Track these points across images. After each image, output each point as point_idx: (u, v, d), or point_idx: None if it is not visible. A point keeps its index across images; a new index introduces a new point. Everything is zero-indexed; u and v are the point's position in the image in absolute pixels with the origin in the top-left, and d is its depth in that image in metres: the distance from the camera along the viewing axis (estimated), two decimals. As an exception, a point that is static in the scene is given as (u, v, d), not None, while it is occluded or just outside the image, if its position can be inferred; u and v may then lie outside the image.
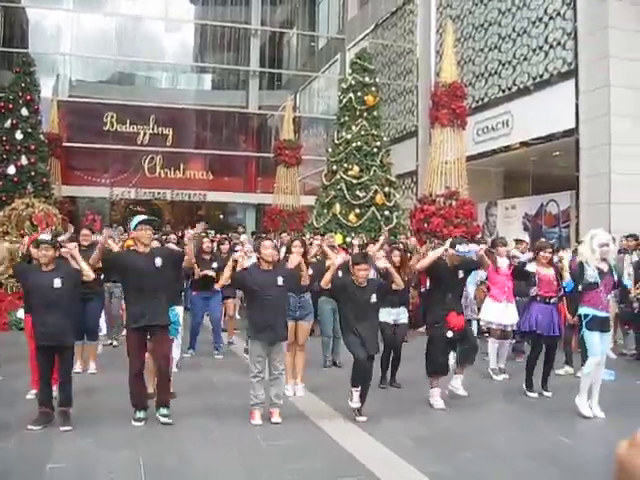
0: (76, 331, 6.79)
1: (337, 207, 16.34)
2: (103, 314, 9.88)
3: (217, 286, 9.26)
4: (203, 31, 34.07)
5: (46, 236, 6.45)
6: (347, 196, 16.36)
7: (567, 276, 7.87)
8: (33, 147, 18.76)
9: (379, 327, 7.83)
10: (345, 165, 16.74)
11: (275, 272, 6.55)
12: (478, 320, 10.55)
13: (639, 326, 10.88)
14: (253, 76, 33.91)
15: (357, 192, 16.39)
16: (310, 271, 7.32)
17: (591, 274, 7.12)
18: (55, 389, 6.46)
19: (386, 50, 26.63)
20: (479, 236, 15.62)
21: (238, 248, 13.02)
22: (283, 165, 23.25)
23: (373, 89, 17.47)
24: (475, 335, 12.15)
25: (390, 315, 8.36)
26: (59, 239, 6.90)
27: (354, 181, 16.48)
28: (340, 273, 7.49)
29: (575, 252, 9.95)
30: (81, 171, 29.44)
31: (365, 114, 17.10)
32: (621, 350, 11.22)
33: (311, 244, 12.66)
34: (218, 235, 17.96)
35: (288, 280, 6.64)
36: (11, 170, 18.25)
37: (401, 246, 9.55)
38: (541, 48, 17.58)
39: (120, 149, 30.08)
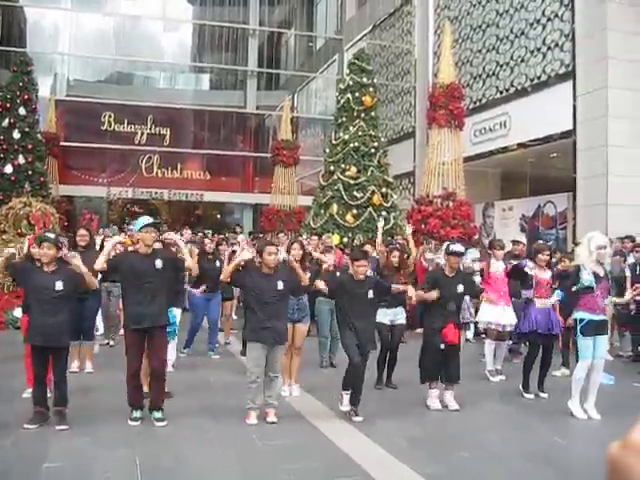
0: (72, 331, 6.79)
1: (334, 207, 16.35)
2: (100, 313, 9.88)
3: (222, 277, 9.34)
4: (201, 31, 34.04)
5: (49, 235, 6.43)
6: (344, 196, 16.37)
7: None
8: (30, 146, 18.72)
9: (376, 328, 7.86)
10: (342, 166, 16.75)
11: (276, 276, 6.55)
12: (475, 323, 10.56)
13: (636, 328, 10.90)
14: (251, 76, 33.90)
15: (354, 193, 16.40)
16: (308, 274, 7.33)
17: (587, 278, 7.13)
18: (50, 389, 6.45)
19: (384, 51, 26.64)
20: (476, 237, 15.63)
21: (236, 248, 13.06)
22: (281, 165, 23.24)
23: (371, 90, 17.49)
24: (472, 338, 12.25)
25: (387, 316, 8.37)
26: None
27: (351, 182, 16.49)
28: (338, 273, 7.53)
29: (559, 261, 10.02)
30: (78, 170, 29.40)
31: (363, 115, 17.12)
32: (617, 352, 11.23)
33: (308, 244, 12.73)
34: (216, 235, 17.96)
35: (288, 284, 6.65)
36: (8, 169, 18.22)
37: (399, 246, 9.55)
38: (539, 50, 17.59)
39: (118, 149, 30.04)
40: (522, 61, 18.25)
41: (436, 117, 15.84)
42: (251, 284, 6.53)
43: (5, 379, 7.95)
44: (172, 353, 8.27)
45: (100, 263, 6.39)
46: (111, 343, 10.89)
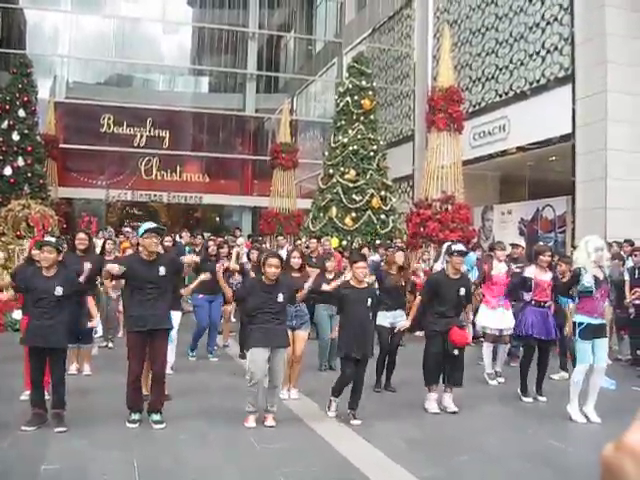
0: (70, 333, 6.80)
1: (333, 210, 16.37)
2: (99, 316, 9.87)
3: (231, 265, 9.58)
4: (201, 34, 34.07)
5: (50, 239, 6.43)
6: (343, 200, 16.39)
7: None
8: (30, 148, 18.76)
9: (376, 330, 7.88)
10: (341, 169, 16.78)
11: (277, 288, 6.56)
12: (473, 324, 10.55)
13: (635, 331, 10.89)
14: (250, 79, 33.92)
15: (353, 196, 16.42)
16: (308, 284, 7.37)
17: (588, 280, 7.14)
18: (48, 391, 6.45)
19: (383, 54, 26.68)
20: (475, 240, 15.63)
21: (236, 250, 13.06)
22: (280, 168, 23.23)
23: (370, 93, 17.52)
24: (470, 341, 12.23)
25: (386, 318, 8.37)
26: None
27: (350, 185, 16.51)
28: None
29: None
30: (78, 173, 29.41)
31: (362, 118, 17.15)
32: (616, 356, 11.23)
33: (307, 247, 12.75)
34: (217, 238, 17.94)
35: (288, 297, 6.68)
36: (7, 171, 18.25)
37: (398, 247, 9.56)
38: (538, 53, 17.62)
39: (117, 151, 30.05)
40: (521, 65, 18.27)
41: (435, 120, 15.85)
42: (253, 295, 6.55)
43: (4, 380, 7.94)
44: (171, 355, 8.26)
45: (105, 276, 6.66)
46: (109, 345, 10.89)
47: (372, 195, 16.45)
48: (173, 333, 7.96)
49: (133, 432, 6.16)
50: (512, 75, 18.68)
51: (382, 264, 9.95)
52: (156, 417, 6.38)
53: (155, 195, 30.07)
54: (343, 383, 6.89)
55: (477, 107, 20.15)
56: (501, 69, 19.21)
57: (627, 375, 9.92)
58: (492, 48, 19.65)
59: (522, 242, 14.55)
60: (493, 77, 19.58)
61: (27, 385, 6.77)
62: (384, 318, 8.31)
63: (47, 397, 6.43)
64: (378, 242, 15.67)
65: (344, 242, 15.82)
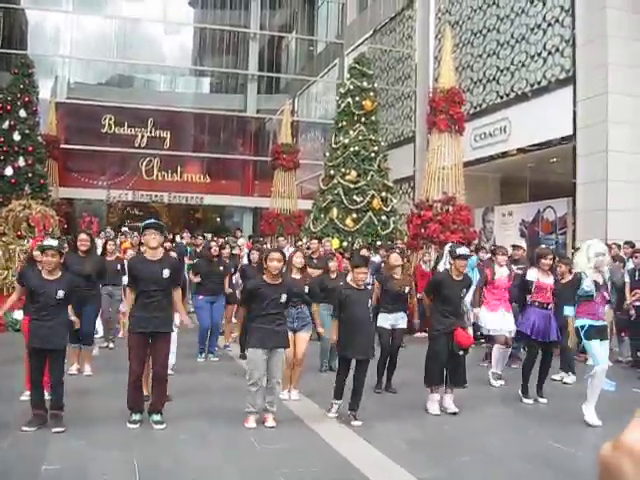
0: (71, 334, 6.84)
1: (334, 211, 16.37)
2: (100, 317, 9.89)
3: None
4: (202, 34, 34.11)
5: (52, 242, 6.43)
6: (344, 201, 16.39)
7: None
8: (31, 148, 18.76)
9: (377, 332, 7.88)
10: (342, 170, 16.78)
11: (280, 287, 6.57)
12: (474, 328, 10.56)
13: (635, 333, 10.89)
14: (251, 80, 33.95)
15: (354, 197, 16.42)
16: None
17: (588, 284, 7.16)
18: (48, 391, 6.45)
19: (385, 55, 26.69)
20: (475, 242, 15.63)
21: (236, 252, 13.09)
22: (281, 169, 23.23)
23: (371, 94, 17.52)
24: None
25: (387, 320, 8.37)
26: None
27: (351, 186, 16.51)
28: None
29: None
30: (78, 173, 29.43)
31: (363, 119, 17.15)
32: (617, 357, 11.23)
33: (308, 248, 12.75)
34: (219, 239, 17.96)
35: (291, 297, 6.71)
36: (8, 171, 18.25)
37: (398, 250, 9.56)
38: (539, 55, 17.62)
39: (118, 151, 30.07)
40: (522, 66, 18.27)
41: (436, 122, 15.84)
42: (256, 303, 6.56)
43: (4, 380, 7.95)
44: (172, 357, 8.26)
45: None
46: (110, 346, 10.89)
47: (373, 196, 16.44)
48: (173, 335, 7.96)
49: (133, 432, 6.17)
50: (513, 77, 18.69)
51: (382, 265, 9.96)
52: (156, 417, 6.39)
53: (156, 195, 30.09)
54: (339, 383, 6.93)
55: (478, 108, 20.15)
56: (502, 70, 19.21)
57: (627, 377, 9.91)
58: (493, 49, 19.65)
59: (523, 244, 14.56)
60: (494, 78, 19.59)
61: (27, 385, 6.78)
62: (385, 320, 8.32)
63: (47, 397, 6.43)
64: (379, 243, 15.67)
65: (345, 243, 15.82)
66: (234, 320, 12.68)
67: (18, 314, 10.76)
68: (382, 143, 18.03)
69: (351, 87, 17.46)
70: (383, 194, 16.81)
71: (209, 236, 18.97)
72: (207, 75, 35.75)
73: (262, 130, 34.65)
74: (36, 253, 6.87)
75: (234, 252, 12.80)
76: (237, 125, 33.39)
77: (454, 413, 7.26)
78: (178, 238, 17.96)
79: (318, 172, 20.68)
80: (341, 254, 13.36)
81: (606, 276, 7.54)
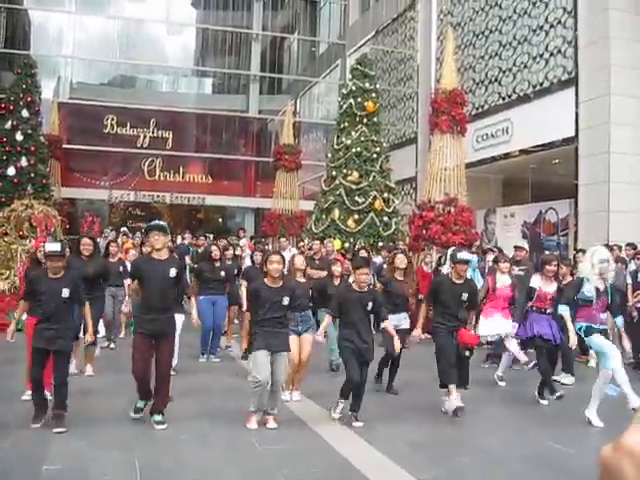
0: (74, 335, 6.85)
1: (336, 212, 16.37)
2: (102, 318, 9.88)
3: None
4: (204, 35, 34.16)
5: (54, 247, 6.39)
6: (346, 201, 16.40)
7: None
8: (33, 148, 18.81)
9: (380, 332, 7.87)
10: (344, 171, 16.79)
11: (282, 291, 6.57)
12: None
13: (637, 335, 10.86)
14: (254, 80, 33.98)
15: (356, 198, 16.43)
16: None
17: (589, 290, 7.17)
18: (50, 392, 6.46)
19: (387, 56, 26.69)
20: (477, 243, 15.62)
21: (238, 253, 13.07)
22: (282, 170, 23.23)
23: (373, 95, 17.54)
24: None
25: (390, 321, 8.35)
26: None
27: (353, 187, 16.52)
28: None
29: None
30: (81, 173, 29.49)
31: (365, 120, 17.16)
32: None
33: (310, 249, 12.75)
34: (222, 240, 17.97)
35: (293, 301, 6.68)
36: (11, 171, 18.29)
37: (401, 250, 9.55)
38: (542, 56, 17.62)
39: (120, 152, 30.13)
40: (525, 67, 18.27)
41: (438, 123, 15.84)
42: (258, 306, 6.55)
43: (5, 380, 7.96)
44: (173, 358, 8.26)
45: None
46: (111, 346, 10.89)
47: (375, 197, 16.45)
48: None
49: (134, 432, 6.17)
50: (515, 78, 18.68)
51: (384, 266, 9.95)
52: (158, 418, 6.39)
53: (158, 196, 30.14)
54: (348, 386, 6.84)
55: (480, 110, 20.15)
56: (504, 72, 19.21)
57: (629, 379, 9.89)
58: (495, 51, 19.65)
59: (525, 245, 14.56)
60: (496, 80, 19.59)
61: (28, 385, 6.78)
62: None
63: (50, 397, 6.44)
64: (381, 244, 15.68)
65: (346, 244, 15.83)
66: (236, 321, 12.69)
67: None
68: (384, 144, 18.04)
69: (353, 88, 17.47)
70: (385, 195, 16.82)
71: (211, 237, 19.00)
72: (209, 76, 35.78)
73: (264, 131, 34.68)
74: (40, 255, 6.87)
75: (236, 253, 12.78)
76: (239, 126, 33.43)
77: (455, 413, 7.25)
78: (179, 239, 17.95)
79: (320, 173, 20.70)
80: (343, 255, 13.36)
81: (609, 282, 7.52)
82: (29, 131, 18.86)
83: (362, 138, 16.98)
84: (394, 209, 17.01)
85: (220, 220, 34.63)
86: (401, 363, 8.47)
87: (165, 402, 6.53)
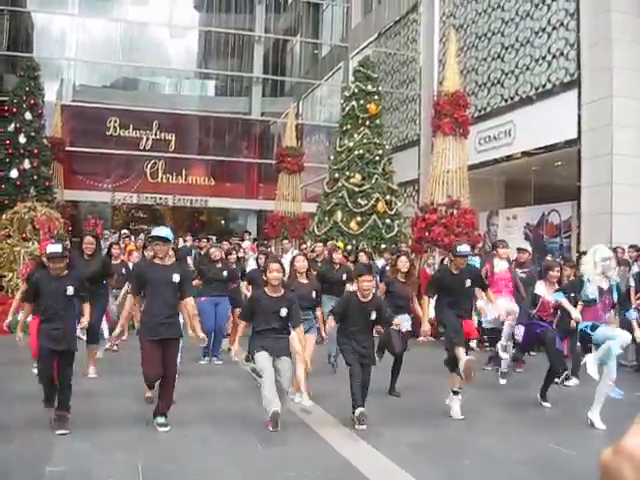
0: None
1: (338, 215, 16.38)
2: (105, 318, 9.88)
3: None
4: (207, 38, 34.18)
5: (56, 248, 6.39)
6: (349, 204, 16.40)
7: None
8: (36, 151, 18.82)
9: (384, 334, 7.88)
10: (347, 173, 16.80)
11: (282, 301, 6.54)
12: (478, 331, 10.52)
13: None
14: (256, 83, 34.00)
15: (359, 200, 16.44)
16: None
17: (591, 290, 7.16)
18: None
19: (389, 58, 26.71)
20: (480, 245, 15.61)
21: (241, 255, 13.05)
22: (285, 172, 23.26)
23: (376, 97, 17.56)
24: (475, 346, 12.20)
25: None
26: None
27: (356, 189, 16.53)
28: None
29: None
30: (83, 175, 29.52)
31: (367, 122, 17.18)
32: (621, 361, 11.18)
33: (313, 250, 12.75)
34: (225, 243, 17.94)
35: (291, 312, 6.60)
36: (14, 174, 18.30)
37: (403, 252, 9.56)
38: (544, 58, 17.62)
39: (123, 154, 30.15)
40: (527, 69, 18.27)
41: (441, 125, 15.86)
42: (258, 315, 6.54)
43: (8, 382, 7.97)
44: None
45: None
46: (114, 348, 10.89)
47: (377, 199, 16.46)
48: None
49: (137, 434, 6.17)
50: (518, 80, 18.68)
51: (387, 268, 9.96)
52: (161, 420, 6.39)
53: (160, 198, 30.16)
54: (353, 386, 6.76)
55: (483, 112, 20.15)
56: (507, 74, 19.21)
57: (632, 381, 9.89)
58: (498, 53, 19.66)
59: (528, 247, 14.54)
60: (499, 82, 19.58)
61: (34, 355, 6.80)
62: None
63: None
64: (383, 247, 15.67)
65: (349, 246, 15.83)
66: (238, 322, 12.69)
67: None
68: (387, 146, 18.05)
69: (356, 90, 17.49)
70: (387, 197, 16.82)
71: (214, 239, 18.98)
72: (212, 78, 35.80)
73: (267, 133, 34.70)
74: (45, 259, 6.88)
75: (239, 255, 12.78)
76: (242, 128, 33.46)
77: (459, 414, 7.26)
78: (181, 241, 17.93)
79: (322, 175, 20.71)
80: (345, 257, 13.35)
81: (613, 281, 7.50)
82: (32, 133, 18.87)
83: (364, 140, 16.99)
84: (396, 211, 17.01)
85: (223, 222, 34.63)
86: (403, 367, 8.47)
87: (169, 405, 6.53)
